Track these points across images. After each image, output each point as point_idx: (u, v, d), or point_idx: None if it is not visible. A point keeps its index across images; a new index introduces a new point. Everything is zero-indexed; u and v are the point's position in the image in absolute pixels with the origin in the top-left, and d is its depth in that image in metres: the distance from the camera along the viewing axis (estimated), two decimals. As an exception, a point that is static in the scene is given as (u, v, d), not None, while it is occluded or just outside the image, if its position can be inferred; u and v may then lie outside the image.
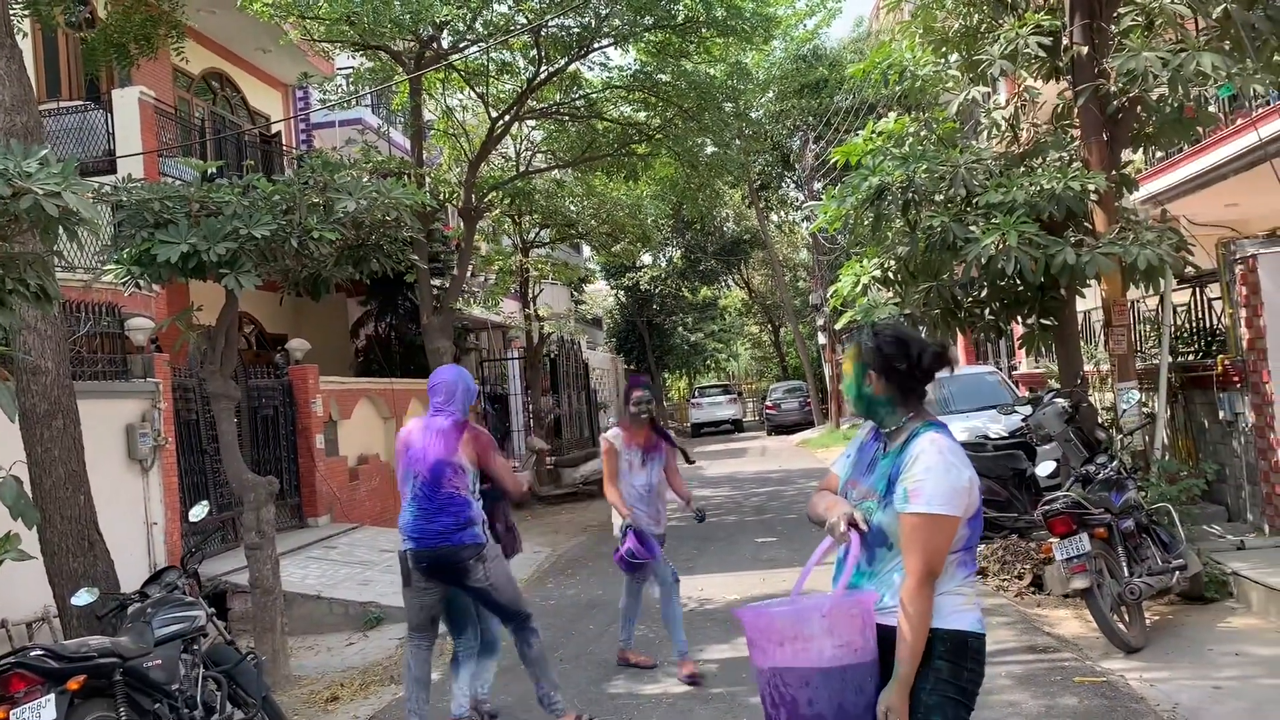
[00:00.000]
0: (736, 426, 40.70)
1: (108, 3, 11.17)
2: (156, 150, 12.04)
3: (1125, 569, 6.44)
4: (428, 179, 15.79)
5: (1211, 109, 10.34)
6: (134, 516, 8.91)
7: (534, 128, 19.11)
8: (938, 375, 3.05)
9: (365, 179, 7.48)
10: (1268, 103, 9.76)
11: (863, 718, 2.73)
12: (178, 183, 7.71)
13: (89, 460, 6.78)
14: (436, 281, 16.07)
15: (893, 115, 9.53)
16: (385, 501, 14.55)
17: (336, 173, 7.12)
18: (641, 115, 17.17)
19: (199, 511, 6.85)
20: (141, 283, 6.56)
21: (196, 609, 5.81)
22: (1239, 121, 10.01)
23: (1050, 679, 5.86)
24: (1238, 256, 8.52)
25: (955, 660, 2.77)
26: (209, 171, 7.54)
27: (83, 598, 5.57)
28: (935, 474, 2.75)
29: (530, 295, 22.34)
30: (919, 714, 2.75)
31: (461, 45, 14.82)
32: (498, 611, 5.59)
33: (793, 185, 35.43)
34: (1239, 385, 8.66)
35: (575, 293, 37.21)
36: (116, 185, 6.62)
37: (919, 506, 2.74)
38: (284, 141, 17.80)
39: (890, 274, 9.33)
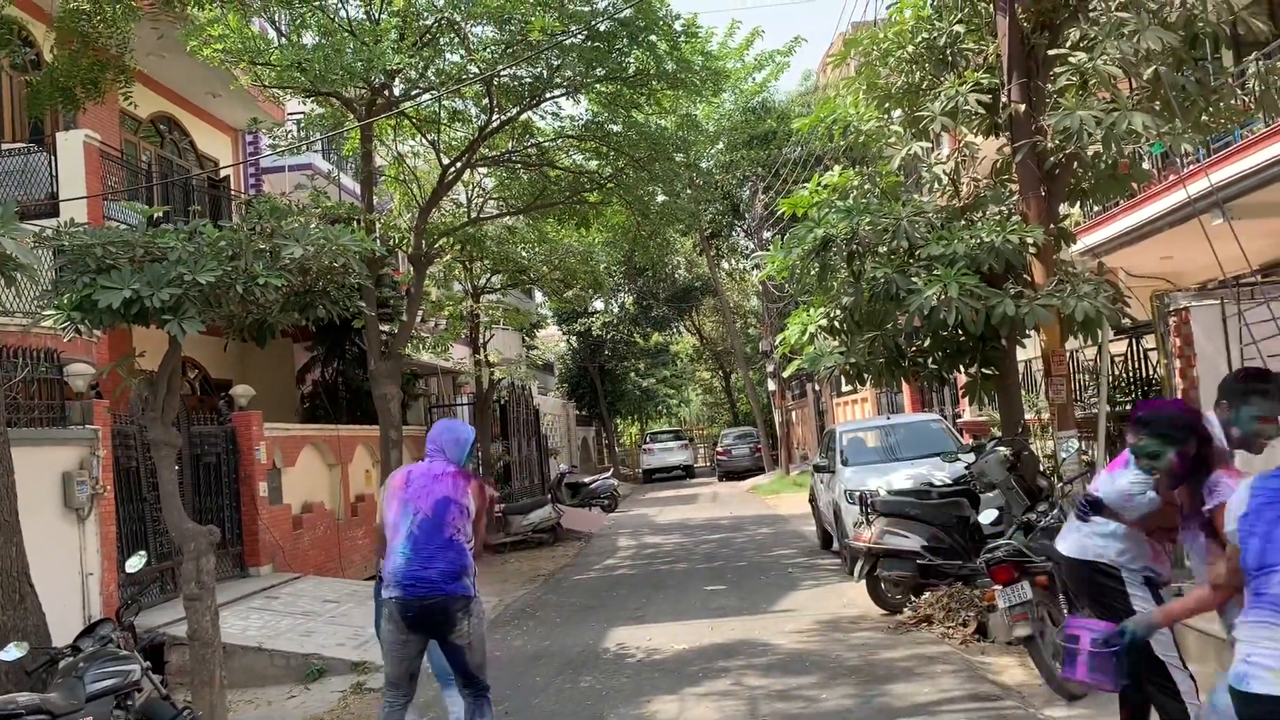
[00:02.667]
0: (688, 472, 40.73)
1: (54, 46, 11.09)
2: (101, 194, 11.90)
3: (1067, 616, 6.51)
4: (378, 225, 15.77)
5: (1145, 165, 10.67)
6: (69, 567, 8.68)
7: (486, 175, 19.20)
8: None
9: (314, 225, 7.44)
10: (1196, 161, 10.10)
11: None
12: (123, 227, 7.64)
13: (22, 508, 6.61)
14: (385, 327, 15.97)
15: (838, 168, 9.73)
16: (329, 551, 14.33)
17: (284, 218, 7.09)
18: (593, 164, 17.33)
19: (136, 562, 6.72)
20: (82, 328, 6.46)
21: (131, 663, 5.68)
22: (1170, 178, 10.33)
23: (994, 727, 5.90)
24: (1171, 309, 8.76)
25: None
26: (154, 216, 7.49)
27: (11, 652, 5.42)
28: None
29: (481, 341, 22.29)
30: None
31: (413, 93, 14.89)
32: (465, 673, 5.34)
33: (743, 234, 35.86)
34: (1174, 434, 8.85)
35: (527, 338, 37.16)
36: (59, 229, 6.54)
37: None
38: (233, 186, 17.68)
39: (836, 323, 9.47)
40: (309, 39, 13.82)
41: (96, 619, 7.21)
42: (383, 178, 17.79)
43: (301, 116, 16.19)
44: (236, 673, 8.66)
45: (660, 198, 18.16)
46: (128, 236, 6.56)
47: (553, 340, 46.91)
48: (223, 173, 17.31)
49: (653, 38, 13.78)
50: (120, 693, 5.46)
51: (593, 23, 13.40)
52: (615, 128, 15.89)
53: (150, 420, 7.25)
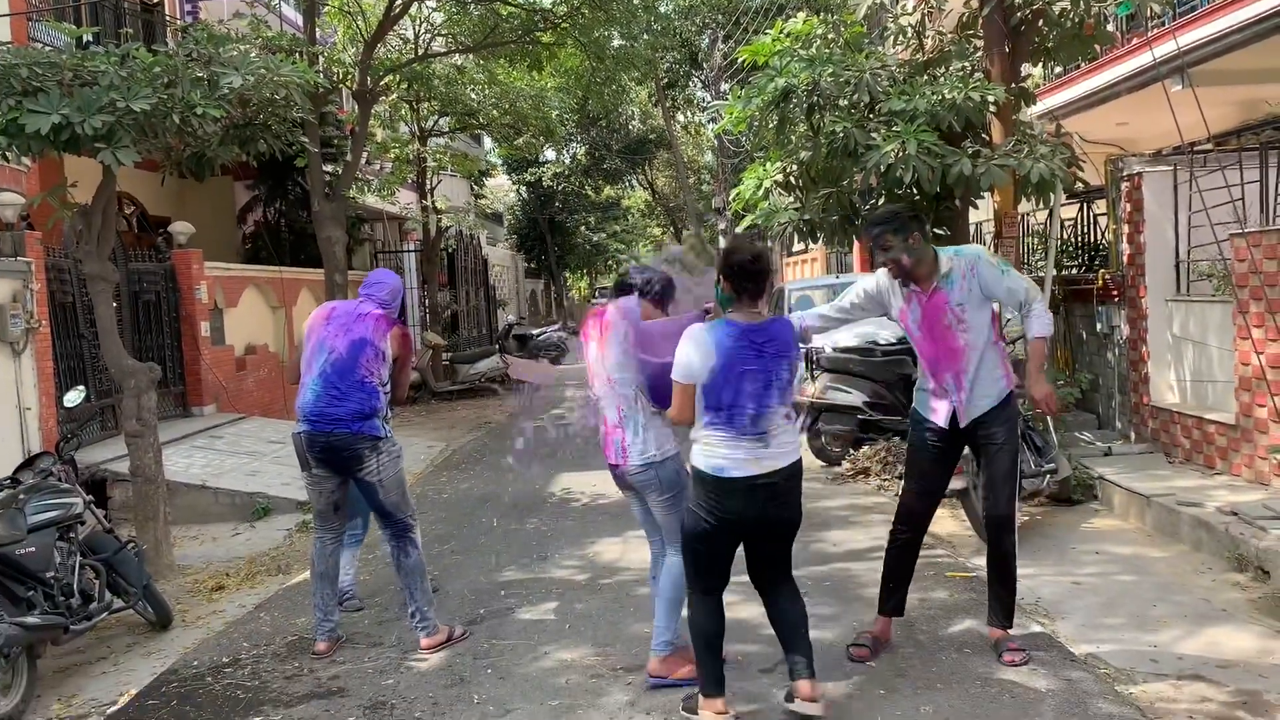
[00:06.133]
0: (635, 326, 40.86)
1: None
2: (25, 12, 11.22)
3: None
4: (320, 58, 15.11)
5: (1110, 28, 10.49)
6: (4, 400, 8.53)
7: (434, 9, 18.39)
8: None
9: (254, 55, 7.10)
10: (1163, 23, 9.95)
11: None
12: (48, 49, 7.22)
13: (-46, 341, 6.44)
14: (329, 167, 15.49)
15: (801, 16, 9.43)
16: (273, 392, 14.27)
17: (223, 46, 6.75)
18: (547, 1, 16.67)
19: (74, 397, 6.62)
20: (9, 154, 6.17)
21: (73, 496, 5.65)
22: (1134, 41, 10.19)
23: (924, 574, 6.10)
24: (1125, 174, 8.77)
25: (698, 486, 4.14)
26: (83, 38, 7.07)
27: (-53, 483, 5.35)
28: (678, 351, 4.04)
29: (428, 186, 21.77)
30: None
31: (359, -83, 14.08)
32: (380, 512, 5.35)
33: (700, 85, 35.03)
34: (1117, 299, 9.01)
35: (475, 186, 36.40)
36: (-22, 47, 6.16)
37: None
38: (167, 11, 16.75)
39: (792, 179, 9.35)
40: None
41: (35, 452, 7.13)
42: (326, 8, 16.96)
43: (240, -62, 15.26)
44: (181, 510, 8.71)
45: (616, 41, 17.59)
46: (55, 59, 6.21)
47: (502, 190, 46.08)
48: (156, -4, 16.36)
49: None
50: (62, 525, 5.44)
51: None
52: (572, -37, 15.25)
53: (85, 254, 7.04)
